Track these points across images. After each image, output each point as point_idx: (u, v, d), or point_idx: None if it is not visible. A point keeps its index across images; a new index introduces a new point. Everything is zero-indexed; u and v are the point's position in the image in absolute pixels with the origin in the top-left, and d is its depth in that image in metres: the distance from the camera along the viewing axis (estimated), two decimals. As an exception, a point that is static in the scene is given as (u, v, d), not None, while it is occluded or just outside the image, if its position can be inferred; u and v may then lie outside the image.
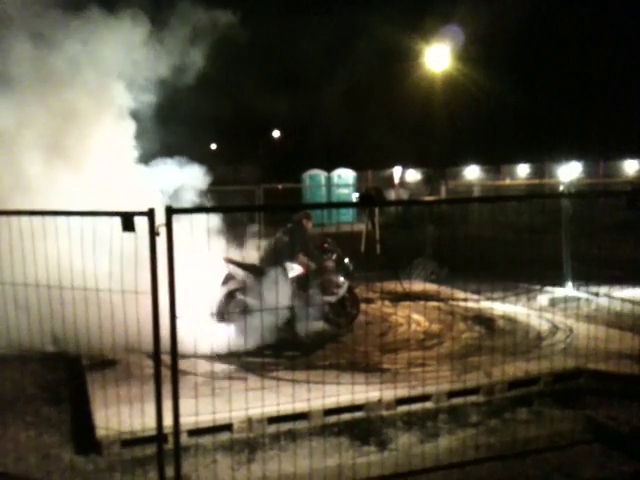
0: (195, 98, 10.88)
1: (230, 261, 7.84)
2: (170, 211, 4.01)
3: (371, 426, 5.48)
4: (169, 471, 4.21)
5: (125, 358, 6.57)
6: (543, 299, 9.85)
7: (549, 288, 10.34)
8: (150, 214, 4.03)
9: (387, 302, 9.53)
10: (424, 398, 5.87)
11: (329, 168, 26.57)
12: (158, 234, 4.01)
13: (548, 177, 31.94)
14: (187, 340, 5.55)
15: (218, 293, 7.76)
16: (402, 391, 5.80)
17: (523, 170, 37.18)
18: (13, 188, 7.50)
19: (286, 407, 5.37)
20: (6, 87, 7.95)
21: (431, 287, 10.86)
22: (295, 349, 7.27)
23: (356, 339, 7.31)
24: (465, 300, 9.36)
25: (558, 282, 10.39)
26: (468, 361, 6.59)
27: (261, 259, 8.14)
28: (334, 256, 8.12)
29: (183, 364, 6.11)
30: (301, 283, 7.79)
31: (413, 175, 42.49)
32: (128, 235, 4.16)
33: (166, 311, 4.05)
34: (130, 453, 4.96)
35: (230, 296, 7.78)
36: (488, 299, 9.23)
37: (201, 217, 6.60)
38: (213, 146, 48.46)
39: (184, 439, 4.89)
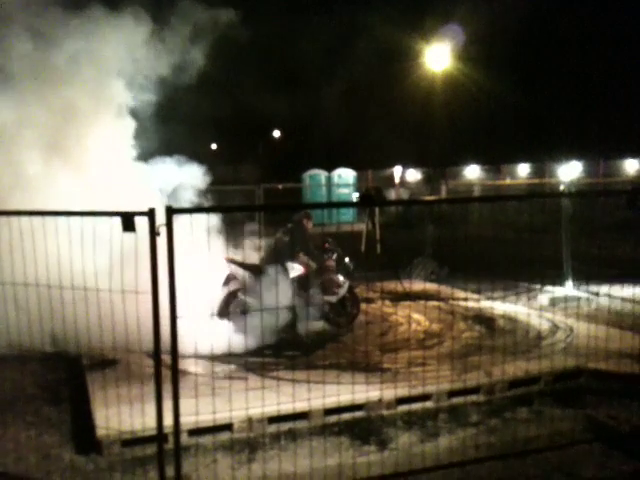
0: (195, 98, 10.88)
1: (232, 261, 7.84)
2: (170, 211, 4.01)
3: (371, 426, 5.48)
4: (169, 471, 4.20)
5: (125, 358, 6.56)
6: (543, 298, 9.85)
7: (549, 287, 10.34)
8: (150, 214, 4.03)
9: (387, 302, 9.53)
10: (424, 397, 5.87)
11: (329, 168, 26.58)
12: (158, 234, 4.01)
13: (548, 177, 31.91)
14: (187, 340, 5.55)
15: (220, 293, 7.76)
16: (402, 391, 5.80)
17: (523, 170, 37.15)
18: (12, 186, 7.50)
19: (286, 407, 5.37)
20: (6, 85, 7.95)
21: (431, 287, 10.86)
22: (295, 349, 7.27)
23: (356, 339, 7.31)
24: (465, 299, 9.36)
25: (558, 281, 10.39)
26: (468, 360, 6.59)
27: (262, 259, 8.15)
28: (334, 256, 8.13)
29: (183, 364, 6.12)
30: (302, 283, 7.79)
31: (413, 175, 42.50)
32: (128, 235, 4.16)
33: (166, 311, 4.05)
34: (130, 453, 4.96)
35: (232, 296, 7.78)
36: (488, 298, 9.23)
37: (201, 217, 6.60)
38: (213, 146, 48.46)
39: (184, 439, 4.89)
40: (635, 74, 37.91)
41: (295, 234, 8.10)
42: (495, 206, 19.41)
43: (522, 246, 7.78)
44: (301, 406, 5.43)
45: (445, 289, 10.35)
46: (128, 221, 4.13)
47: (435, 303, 9.36)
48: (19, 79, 7.99)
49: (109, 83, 8.41)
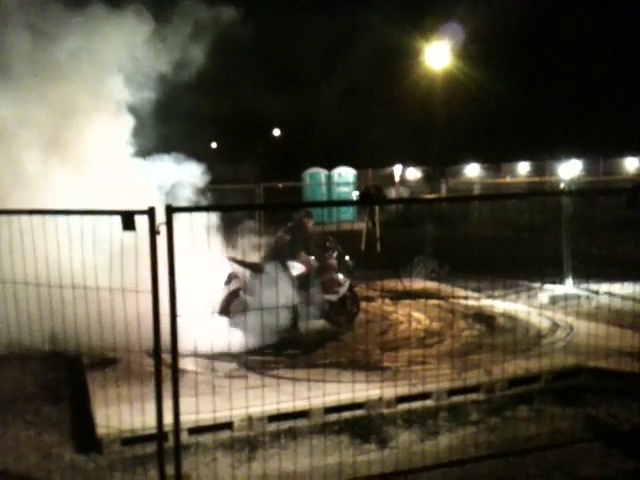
0: (196, 96, 10.89)
1: (233, 260, 7.84)
2: (170, 210, 4.01)
3: (372, 424, 5.48)
4: (169, 469, 4.20)
5: (125, 357, 6.55)
6: (543, 297, 9.84)
7: (549, 286, 10.33)
8: (151, 213, 4.02)
9: (387, 300, 9.53)
10: (424, 396, 5.87)
11: (329, 166, 26.57)
12: (159, 233, 4.01)
13: (548, 175, 31.91)
14: (187, 338, 5.55)
15: (221, 292, 7.76)
16: (402, 389, 5.80)
17: (523, 168, 37.11)
18: (12, 184, 7.49)
19: (286, 405, 5.37)
20: (5, 82, 7.93)
21: (431, 285, 10.86)
22: (296, 347, 7.27)
23: (356, 337, 7.31)
24: (465, 298, 9.37)
25: (558, 280, 10.39)
26: (468, 359, 6.59)
27: (262, 258, 8.15)
28: (335, 254, 8.12)
29: (183, 362, 6.12)
30: (302, 282, 7.79)
31: (413, 173, 42.43)
32: (128, 233, 4.15)
33: (166, 310, 4.05)
34: (131, 451, 4.96)
35: (233, 295, 7.78)
36: (488, 297, 9.25)
37: (201, 215, 6.59)
38: (214, 145, 48.43)
39: (184, 437, 4.89)
40: (635, 73, 37.91)
41: (296, 233, 8.11)
42: (495, 205, 19.39)
43: (522, 245, 7.79)
44: (301, 405, 5.43)
45: (445, 287, 10.35)
46: (128, 220, 4.13)
47: (435, 302, 9.37)
48: (19, 77, 7.98)
49: (109, 81, 8.40)
